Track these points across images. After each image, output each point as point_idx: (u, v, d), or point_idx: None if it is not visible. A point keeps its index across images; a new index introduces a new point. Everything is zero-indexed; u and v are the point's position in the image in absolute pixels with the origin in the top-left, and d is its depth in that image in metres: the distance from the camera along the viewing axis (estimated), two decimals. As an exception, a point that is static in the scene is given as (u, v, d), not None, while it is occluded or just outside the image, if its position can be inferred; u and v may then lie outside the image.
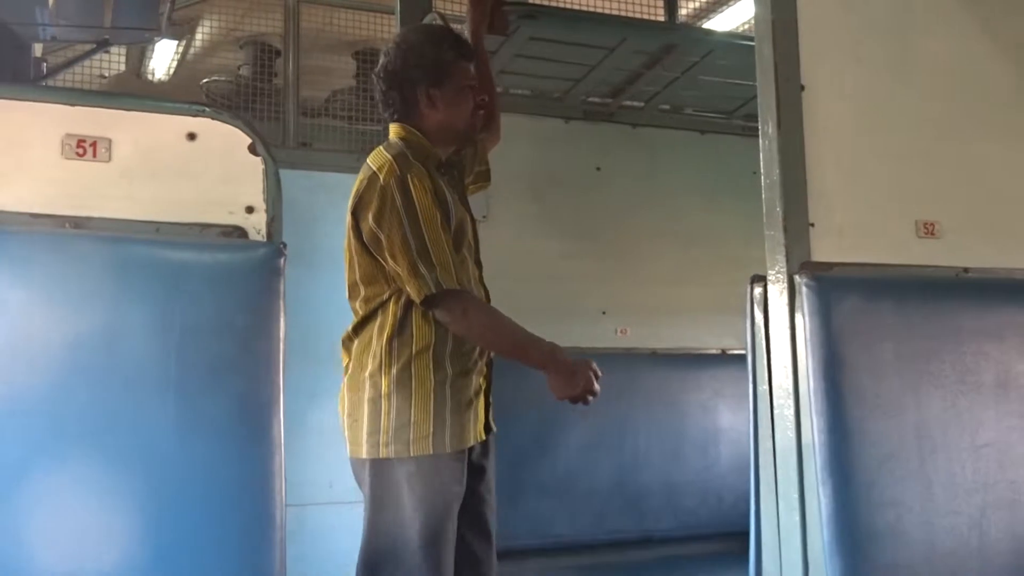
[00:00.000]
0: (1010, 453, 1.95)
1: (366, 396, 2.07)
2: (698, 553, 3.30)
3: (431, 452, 2.03)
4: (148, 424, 1.88)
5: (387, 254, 2.03)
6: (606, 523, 3.22)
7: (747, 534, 2.07)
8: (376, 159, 2.12)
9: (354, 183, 2.14)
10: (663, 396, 3.45)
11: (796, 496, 1.90)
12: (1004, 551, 1.90)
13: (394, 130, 2.21)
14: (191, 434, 1.89)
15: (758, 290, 2.04)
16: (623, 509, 3.25)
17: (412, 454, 2.03)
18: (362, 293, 2.11)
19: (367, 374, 2.08)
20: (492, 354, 2.17)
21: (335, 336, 4.49)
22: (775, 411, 1.97)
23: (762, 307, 2.02)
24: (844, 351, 1.90)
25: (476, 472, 2.15)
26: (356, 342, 2.12)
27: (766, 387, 2.00)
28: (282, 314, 2.01)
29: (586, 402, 2.03)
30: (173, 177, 2.01)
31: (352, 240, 2.09)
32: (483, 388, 2.15)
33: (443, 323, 2.04)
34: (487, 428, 2.17)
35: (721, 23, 5.58)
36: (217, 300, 1.95)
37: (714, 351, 3.63)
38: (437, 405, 2.04)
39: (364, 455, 2.07)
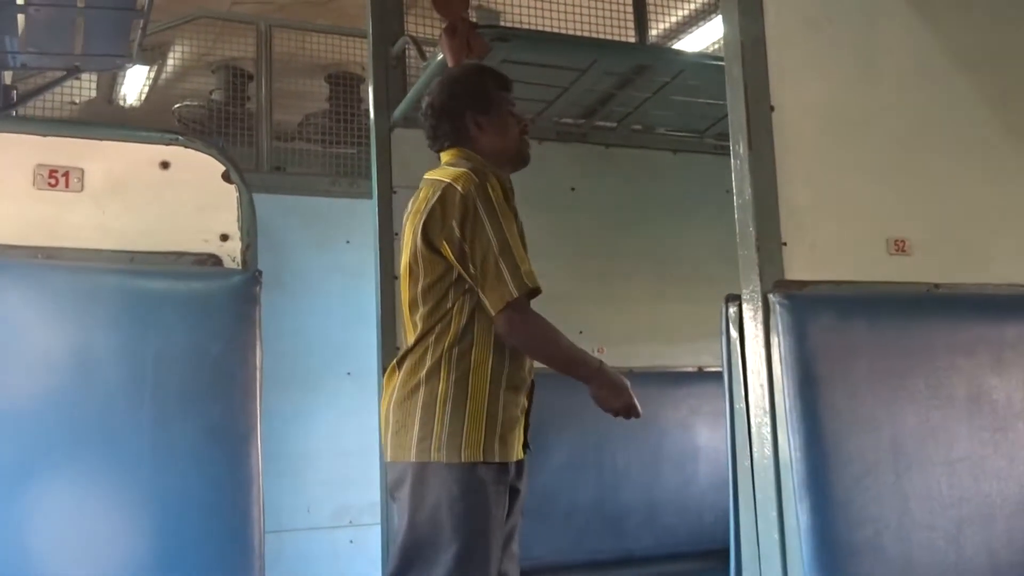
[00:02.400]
0: (984, 467, 1.96)
1: (420, 402, 2.12)
2: (679, 572, 3.29)
3: (481, 459, 2.07)
4: (123, 453, 1.86)
5: (470, 261, 2.09)
6: (585, 543, 3.21)
7: (727, 552, 2.07)
8: (446, 173, 2.19)
9: (415, 200, 2.23)
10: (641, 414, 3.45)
11: (775, 513, 1.91)
12: (980, 565, 1.91)
13: (453, 153, 2.29)
14: (167, 462, 1.88)
15: (733, 309, 2.05)
16: (602, 529, 3.24)
17: (462, 460, 2.07)
18: (422, 307, 2.17)
19: (423, 381, 2.13)
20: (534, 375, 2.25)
21: (312, 360, 4.50)
22: (752, 429, 1.98)
23: (737, 326, 2.03)
24: (819, 368, 1.91)
25: (511, 494, 2.18)
26: (410, 355, 2.17)
27: (743, 405, 2.01)
28: (258, 341, 2.00)
29: (628, 416, 2.20)
30: (146, 206, 2.01)
31: (421, 251, 2.14)
32: (528, 405, 2.22)
33: (503, 331, 2.11)
34: (525, 448, 2.23)
35: (691, 44, 5.63)
36: (192, 329, 1.94)
37: (691, 369, 3.63)
38: (490, 416, 2.10)
39: (412, 459, 2.10)
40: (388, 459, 2.20)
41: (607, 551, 3.26)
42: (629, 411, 2.19)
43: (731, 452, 2.05)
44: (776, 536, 1.90)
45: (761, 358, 1.95)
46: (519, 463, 2.21)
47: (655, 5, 4.60)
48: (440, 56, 3.02)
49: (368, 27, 3.55)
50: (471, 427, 2.09)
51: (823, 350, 1.93)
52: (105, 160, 1.99)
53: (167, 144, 2.05)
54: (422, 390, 2.13)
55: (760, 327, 1.95)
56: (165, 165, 2.03)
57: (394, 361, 2.24)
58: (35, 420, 1.83)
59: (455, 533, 2.04)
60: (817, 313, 1.95)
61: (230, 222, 2.06)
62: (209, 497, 1.91)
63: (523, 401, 2.20)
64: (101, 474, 1.85)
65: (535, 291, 2.10)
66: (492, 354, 2.13)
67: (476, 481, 2.07)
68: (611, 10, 4.06)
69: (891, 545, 1.86)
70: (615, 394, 2.17)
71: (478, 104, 2.29)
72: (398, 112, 3.39)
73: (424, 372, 2.14)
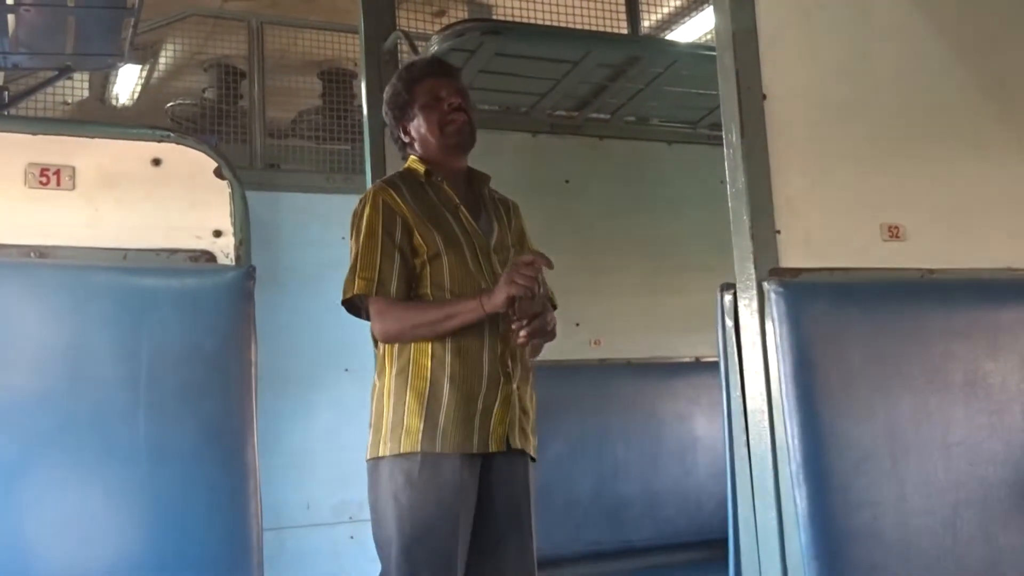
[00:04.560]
0: (980, 451, 1.97)
1: (373, 400, 2.19)
2: (679, 562, 3.30)
3: (419, 450, 2.08)
4: (118, 450, 1.86)
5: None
6: (585, 535, 3.21)
7: (726, 540, 2.07)
8: None
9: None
10: (639, 405, 3.46)
11: (772, 501, 1.91)
12: (977, 548, 1.92)
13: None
14: (163, 461, 1.88)
15: (728, 298, 2.05)
16: (602, 520, 3.24)
17: (401, 451, 2.09)
18: None
19: (375, 379, 2.21)
20: (518, 368, 2.22)
21: (310, 357, 4.50)
22: (749, 417, 1.98)
23: (732, 314, 2.03)
24: (814, 356, 1.91)
25: (491, 490, 2.17)
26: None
27: (739, 393, 2.01)
28: (253, 337, 2.00)
29: (530, 293, 2.05)
30: (139, 203, 2.00)
31: None
32: (501, 400, 2.16)
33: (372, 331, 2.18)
34: (512, 446, 2.17)
35: (684, 34, 5.63)
36: (187, 325, 1.93)
37: (688, 359, 3.64)
38: (431, 405, 2.10)
39: (368, 456, 2.16)
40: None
41: (607, 542, 3.26)
42: (526, 281, 2.04)
43: (728, 441, 2.05)
44: (774, 523, 1.90)
45: (757, 346, 1.95)
46: (506, 458, 2.18)
47: (647, -4, 4.59)
48: (433, 49, 3.02)
49: (360, 22, 3.55)
50: (410, 418, 2.10)
51: (818, 337, 1.94)
52: (97, 158, 1.98)
53: (159, 141, 2.04)
54: (375, 388, 2.20)
55: (755, 315, 1.95)
56: (157, 162, 2.03)
57: None
58: (30, 419, 1.82)
59: (399, 523, 2.06)
60: (812, 300, 1.95)
61: (223, 218, 2.05)
62: (206, 494, 1.91)
63: (495, 392, 2.16)
64: (96, 472, 1.84)
65: (381, 295, 2.13)
66: (432, 345, 2.14)
67: (416, 471, 2.08)
68: (603, 1, 4.06)
69: (889, 530, 1.86)
70: (508, 289, 2.05)
71: (399, 115, 2.37)
72: (391, 107, 3.38)
73: (376, 370, 2.21)
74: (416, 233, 2.19)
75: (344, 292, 2.19)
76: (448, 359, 2.13)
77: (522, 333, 2.09)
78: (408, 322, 2.15)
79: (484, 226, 2.30)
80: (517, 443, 2.19)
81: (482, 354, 2.16)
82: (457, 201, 2.29)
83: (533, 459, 2.27)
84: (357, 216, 2.22)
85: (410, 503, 2.07)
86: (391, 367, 2.17)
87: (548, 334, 2.19)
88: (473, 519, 2.14)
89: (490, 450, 2.14)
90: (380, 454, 2.12)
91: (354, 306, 2.22)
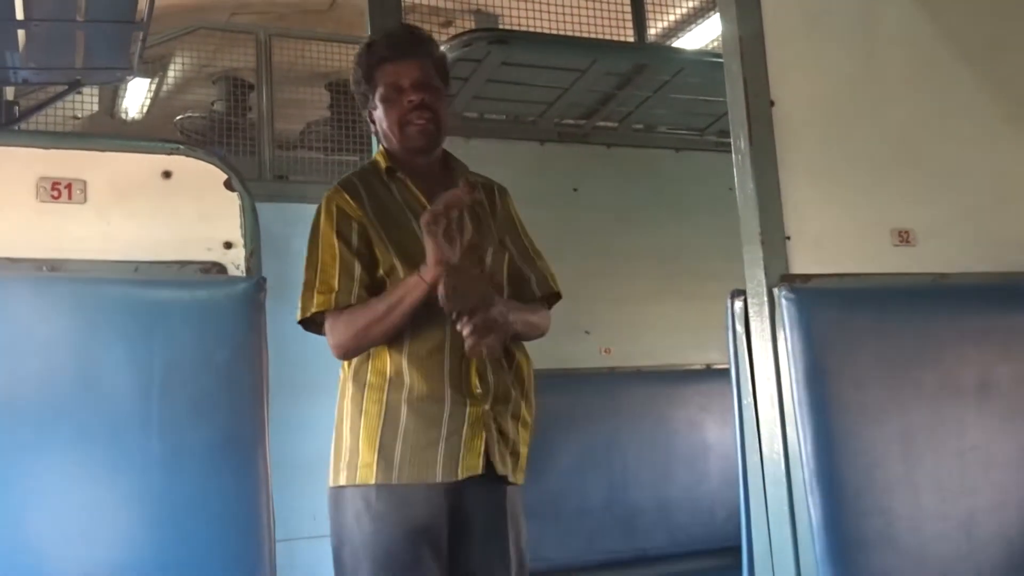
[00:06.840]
0: (995, 456, 1.96)
1: (334, 424, 2.09)
2: (692, 570, 3.29)
3: (374, 482, 1.97)
4: (131, 463, 1.86)
5: None
6: (598, 543, 3.20)
7: (740, 548, 2.06)
8: None
9: None
10: (650, 413, 3.45)
11: (786, 508, 1.90)
12: (994, 554, 1.90)
13: None
14: (175, 472, 1.88)
15: (738, 304, 2.04)
16: (614, 528, 3.23)
17: (358, 482, 1.99)
18: None
19: (337, 400, 2.10)
20: (490, 389, 2.03)
21: (317, 368, 4.47)
22: (760, 424, 1.97)
23: (743, 321, 2.02)
24: (826, 362, 1.91)
25: (466, 517, 2.02)
26: None
27: (751, 400, 2.01)
28: (264, 348, 2.00)
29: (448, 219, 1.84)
30: (149, 216, 2.00)
31: None
32: (469, 424, 2.00)
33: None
34: (497, 471, 2.01)
35: (690, 42, 5.64)
36: (198, 336, 1.94)
37: (699, 366, 3.63)
38: (385, 434, 1.99)
39: (329, 484, 2.08)
40: None
41: (620, 551, 3.25)
42: (437, 216, 1.82)
43: (740, 448, 2.04)
44: (787, 530, 1.89)
45: (768, 352, 1.95)
46: (480, 482, 2.00)
47: (653, 4, 4.61)
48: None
49: (367, 34, 3.55)
50: (365, 449, 1.99)
51: (830, 343, 1.93)
52: (107, 171, 1.99)
53: (168, 154, 2.05)
54: (336, 410, 2.09)
55: (766, 321, 1.95)
56: (167, 174, 2.03)
57: None
58: (43, 431, 1.83)
59: (363, 553, 1.97)
60: (823, 306, 1.95)
61: (233, 229, 2.05)
62: (218, 505, 1.90)
63: (449, 415, 1.99)
64: (109, 483, 1.85)
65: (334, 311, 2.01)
66: (390, 366, 2.01)
67: (377, 504, 1.97)
68: (609, 10, 4.07)
69: (904, 536, 1.85)
70: (429, 239, 1.86)
71: (364, 98, 2.16)
72: (398, 117, 3.39)
73: (338, 390, 2.11)
74: (373, 242, 2.06)
75: (302, 311, 2.06)
76: (407, 381, 1.99)
77: (466, 332, 1.87)
78: (356, 326, 1.99)
79: None
80: (499, 469, 2.01)
81: (443, 374, 2.00)
82: (424, 201, 2.07)
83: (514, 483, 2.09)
84: (312, 226, 2.10)
85: (372, 532, 1.96)
86: (348, 389, 2.06)
87: (501, 326, 1.92)
88: (451, 547, 2.00)
89: (459, 478, 1.97)
90: (340, 483, 2.03)
91: (316, 324, 2.08)
